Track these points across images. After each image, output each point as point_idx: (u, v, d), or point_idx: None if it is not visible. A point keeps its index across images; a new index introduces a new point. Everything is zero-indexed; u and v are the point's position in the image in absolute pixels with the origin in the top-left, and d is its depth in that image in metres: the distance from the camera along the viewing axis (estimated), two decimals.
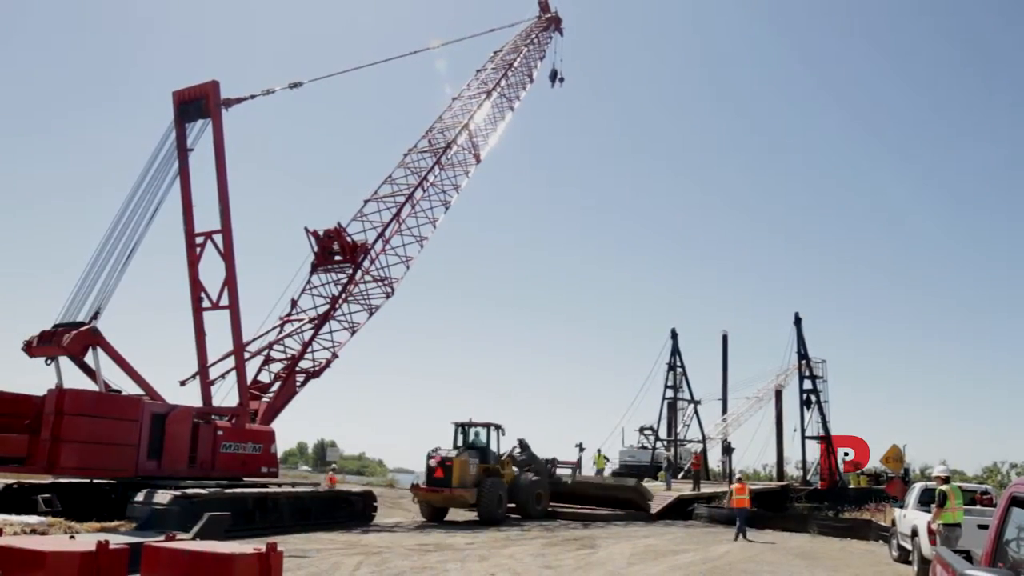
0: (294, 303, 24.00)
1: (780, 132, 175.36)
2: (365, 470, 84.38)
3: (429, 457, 22.57)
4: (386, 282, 24.50)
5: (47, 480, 17.60)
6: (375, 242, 24.35)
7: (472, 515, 22.87)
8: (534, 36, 32.00)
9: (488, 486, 22.29)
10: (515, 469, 24.67)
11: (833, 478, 35.35)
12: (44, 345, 17.08)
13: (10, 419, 15.79)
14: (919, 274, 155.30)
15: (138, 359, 17.53)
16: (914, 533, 14.61)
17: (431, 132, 27.23)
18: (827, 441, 36.58)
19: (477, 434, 24.12)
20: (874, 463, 38.47)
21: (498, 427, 24.27)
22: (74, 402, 15.69)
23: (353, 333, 23.71)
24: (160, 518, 14.37)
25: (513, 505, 23.93)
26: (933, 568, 6.05)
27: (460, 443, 23.81)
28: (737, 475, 25.72)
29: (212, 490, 16.63)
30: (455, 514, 23.20)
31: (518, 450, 25.27)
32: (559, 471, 26.55)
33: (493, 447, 24.05)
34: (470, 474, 22.28)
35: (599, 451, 37.60)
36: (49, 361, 17.04)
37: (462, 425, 24.21)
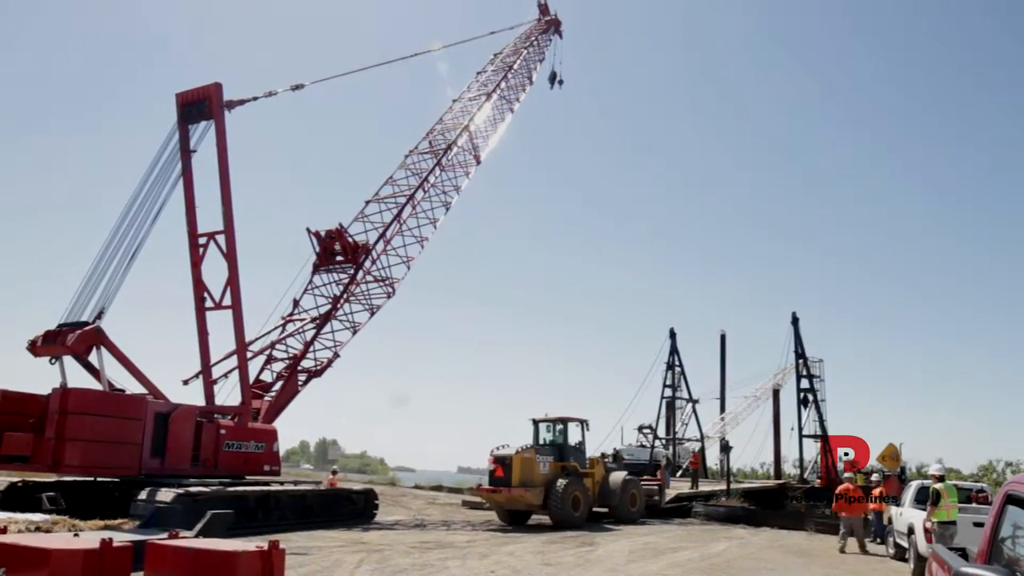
0: (296, 303, 24.16)
1: (778, 133, 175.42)
2: (367, 468, 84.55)
3: (491, 455, 21.33)
4: (387, 282, 24.65)
5: (51, 478, 17.75)
6: (376, 242, 24.50)
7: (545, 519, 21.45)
8: (534, 39, 32.15)
9: (560, 485, 20.59)
10: (609, 470, 23.50)
11: (830, 476, 35.51)
12: (48, 345, 17.19)
13: (15, 418, 15.97)
14: (915, 274, 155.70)
15: (141, 359, 17.68)
16: (910, 531, 14.75)
17: (432, 134, 27.37)
18: (824, 440, 36.84)
19: (556, 430, 22.76)
20: (871, 461, 38.65)
21: (582, 422, 22.94)
22: (78, 401, 15.84)
23: (355, 333, 23.86)
24: (163, 516, 14.47)
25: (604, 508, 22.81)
26: (929, 565, 6.06)
27: (538, 442, 22.56)
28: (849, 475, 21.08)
29: (215, 488, 16.74)
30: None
31: (609, 458, 24.32)
32: None
33: (576, 443, 22.71)
34: (538, 472, 20.84)
35: (618, 450, 37.62)
36: (53, 360, 17.12)
37: (539, 421, 22.97)
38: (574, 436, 22.72)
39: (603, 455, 23.67)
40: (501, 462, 20.65)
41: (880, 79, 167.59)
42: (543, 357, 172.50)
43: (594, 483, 22.63)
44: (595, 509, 22.70)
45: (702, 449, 46.14)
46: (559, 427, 22.74)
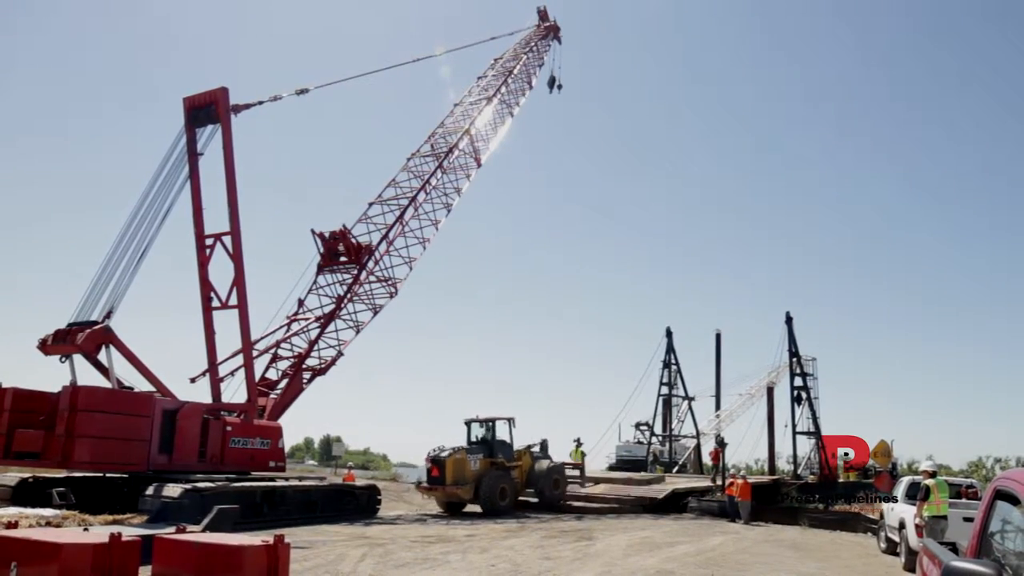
0: (301, 303, 24.48)
1: (772, 135, 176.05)
2: (370, 464, 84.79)
3: (427, 457, 23.44)
4: (390, 282, 25.00)
5: (61, 474, 18.04)
6: (379, 243, 24.83)
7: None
8: (533, 44, 32.43)
9: (488, 480, 22.88)
10: (533, 458, 25.37)
11: (824, 473, 35.93)
12: (59, 343, 17.41)
13: (26, 415, 16.17)
14: (908, 274, 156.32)
15: (149, 357, 17.92)
16: (901, 525, 14.94)
17: (434, 137, 27.70)
18: (817, 437, 37.34)
19: (487, 429, 24.70)
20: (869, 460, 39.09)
21: (509, 420, 24.85)
22: (88, 398, 16.08)
23: (358, 332, 24.23)
24: (171, 511, 14.70)
25: (531, 490, 25.15)
26: (920, 559, 6.14)
27: (471, 440, 24.50)
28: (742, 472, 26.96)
29: (221, 484, 16.93)
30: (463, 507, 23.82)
31: (537, 448, 25.98)
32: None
33: (505, 439, 24.64)
34: (469, 470, 22.90)
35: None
36: (63, 359, 17.36)
37: (470, 422, 24.90)
38: (502, 433, 24.68)
39: (529, 447, 25.60)
40: (437, 463, 22.68)
41: (873, 80, 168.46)
42: (543, 356, 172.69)
43: (522, 473, 24.83)
44: (523, 496, 25.08)
45: (697, 445, 46.60)
46: (488, 426, 24.70)
